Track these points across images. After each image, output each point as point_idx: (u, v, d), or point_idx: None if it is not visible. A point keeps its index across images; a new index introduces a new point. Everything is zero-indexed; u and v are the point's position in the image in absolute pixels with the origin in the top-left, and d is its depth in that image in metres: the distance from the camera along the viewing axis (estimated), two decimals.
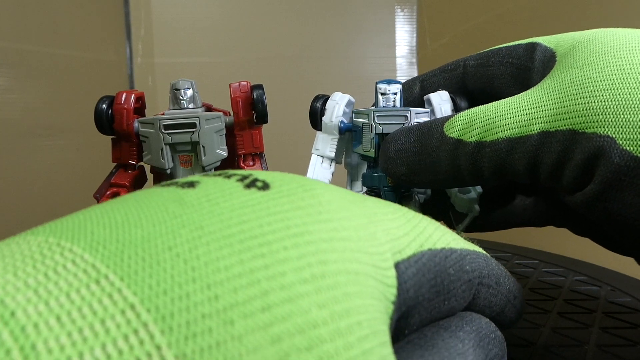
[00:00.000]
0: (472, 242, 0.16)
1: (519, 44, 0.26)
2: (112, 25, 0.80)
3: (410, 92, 0.33)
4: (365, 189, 0.33)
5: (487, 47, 0.29)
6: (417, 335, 0.14)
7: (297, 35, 0.86)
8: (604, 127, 0.18)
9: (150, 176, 0.33)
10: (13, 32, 0.64)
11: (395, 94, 0.31)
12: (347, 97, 0.33)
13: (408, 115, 0.30)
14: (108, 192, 0.31)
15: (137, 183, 0.32)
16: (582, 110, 0.19)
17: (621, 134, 0.18)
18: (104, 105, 0.30)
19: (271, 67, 0.85)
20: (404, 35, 0.87)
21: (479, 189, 0.29)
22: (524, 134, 0.20)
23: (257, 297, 0.09)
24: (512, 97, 0.22)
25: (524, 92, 0.22)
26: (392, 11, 0.87)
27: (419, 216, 0.15)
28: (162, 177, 0.33)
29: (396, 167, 0.25)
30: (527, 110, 0.20)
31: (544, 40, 0.25)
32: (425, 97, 0.33)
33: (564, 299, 0.33)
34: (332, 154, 0.32)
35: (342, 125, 0.32)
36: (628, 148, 0.18)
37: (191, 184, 0.12)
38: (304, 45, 0.86)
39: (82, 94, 0.72)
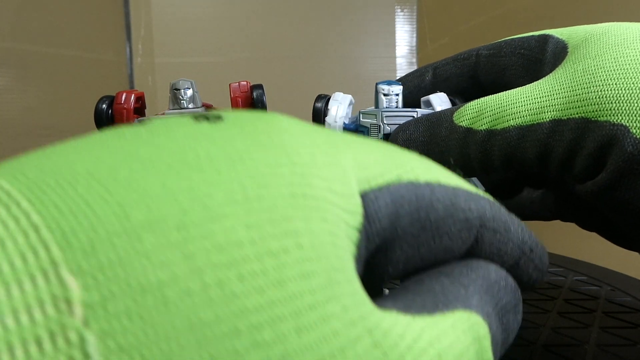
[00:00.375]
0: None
1: (531, 36, 0.26)
2: (112, 25, 0.80)
3: (422, 79, 0.33)
4: None
5: None
6: (413, 281, 0.13)
7: (297, 35, 0.86)
8: (617, 115, 0.18)
9: None
10: (13, 32, 0.64)
11: (397, 95, 0.31)
12: (348, 97, 0.33)
13: (415, 115, 0.30)
14: None
15: None
16: (595, 98, 0.19)
17: (634, 122, 0.18)
18: (103, 105, 0.30)
19: (271, 67, 0.85)
20: (404, 35, 0.87)
21: (482, 188, 0.29)
22: (535, 122, 0.20)
23: (173, 215, 0.09)
24: (524, 86, 0.22)
25: (536, 82, 0.22)
26: (392, 11, 0.87)
27: (403, 151, 0.14)
28: None
29: None
30: (538, 99, 0.20)
31: (557, 32, 0.25)
32: (423, 99, 0.33)
33: (564, 299, 0.33)
34: None
35: (345, 125, 0.32)
36: None
37: (143, 123, 0.11)
38: (304, 45, 0.86)
39: (82, 94, 0.72)
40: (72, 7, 0.73)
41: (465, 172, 0.24)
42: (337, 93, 0.33)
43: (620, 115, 0.18)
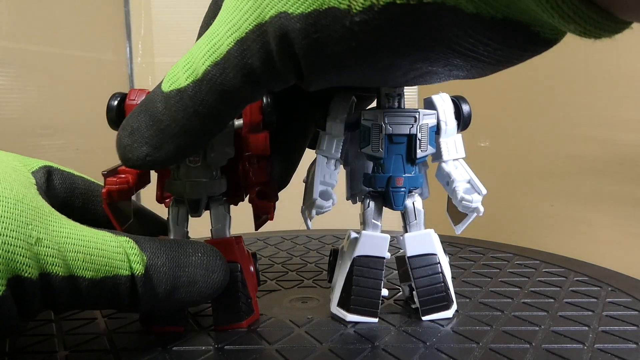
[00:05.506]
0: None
1: None
2: (112, 25, 0.80)
3: None
4: (364, 190, 0.33)
5: None
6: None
7: None
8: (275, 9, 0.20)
9: (153, 175, 0.34)
10: (13, 32, 0.64)
11: (399, 95, 0.31)
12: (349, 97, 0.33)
13: (417, 116, 0.29)
14: (116, 176, 0.30)
15: (141, 179, 0.32)
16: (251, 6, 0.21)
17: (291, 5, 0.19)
18: (115, 102, 0.30)
19: None
20: None
21: (484, 190, 0.29)
22: (224, 53, 0.21)
23: None
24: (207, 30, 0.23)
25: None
26: None
27: None
28: (168, 173, 0.33)
29: (136, 151, 0.24)
30: (217, 33, 0.22)
31: None
32: (426, 99, 0.32)
33: (564, 299, 0.33)
34: (338, 155, 0.31)
35: (347, 125, 0.32)
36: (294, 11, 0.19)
37: None
38: None
39: (82, 94, 0.72)
40: (72, 7, 0.73)
41: (198, 136, 0.24)
42: (337, 93, 0.33)
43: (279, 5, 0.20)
